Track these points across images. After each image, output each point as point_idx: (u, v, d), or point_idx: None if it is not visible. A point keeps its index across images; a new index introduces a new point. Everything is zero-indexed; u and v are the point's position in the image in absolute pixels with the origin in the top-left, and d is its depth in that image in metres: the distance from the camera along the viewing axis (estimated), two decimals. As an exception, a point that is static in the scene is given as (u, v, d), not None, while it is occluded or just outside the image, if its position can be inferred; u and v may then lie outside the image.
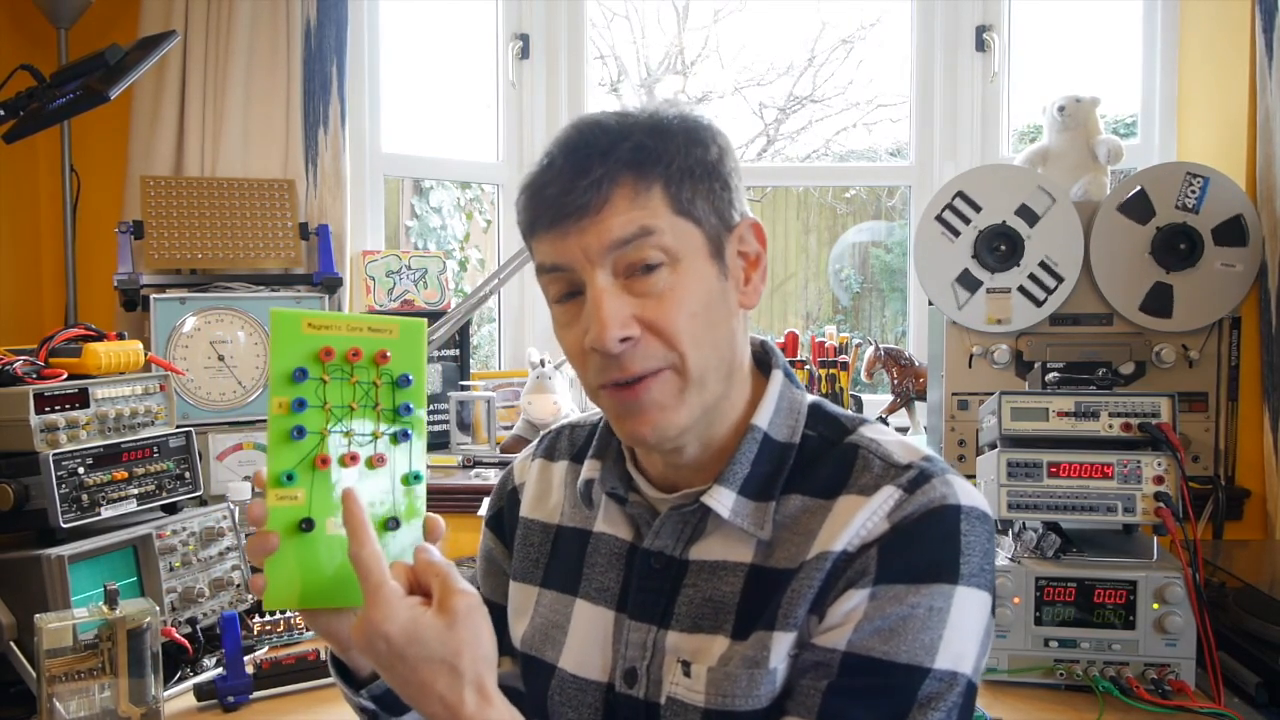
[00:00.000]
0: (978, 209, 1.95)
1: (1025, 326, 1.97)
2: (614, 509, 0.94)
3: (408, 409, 0.81)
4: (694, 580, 0.87)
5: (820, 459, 0.87)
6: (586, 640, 0.92)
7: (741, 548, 0.86)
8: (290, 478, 0.78)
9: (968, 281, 1.96)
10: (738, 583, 0.85)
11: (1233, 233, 1.91)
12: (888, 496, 0.82)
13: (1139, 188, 1.92)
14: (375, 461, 0.80)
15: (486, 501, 2.01)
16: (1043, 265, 1.94)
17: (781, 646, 0.81)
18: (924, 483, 0.82)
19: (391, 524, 0.80)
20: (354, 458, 0.79)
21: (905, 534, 0.80)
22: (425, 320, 0.85)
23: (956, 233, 1.96)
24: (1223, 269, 1.91)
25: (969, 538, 0.80)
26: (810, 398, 0.93)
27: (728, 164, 0.87)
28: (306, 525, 0.78)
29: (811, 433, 0.89)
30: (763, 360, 0.94)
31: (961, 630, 0.78)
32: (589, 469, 0.96)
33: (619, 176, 0.81)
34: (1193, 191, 1.90)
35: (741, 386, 0.90)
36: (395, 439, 0.81)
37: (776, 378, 0.91)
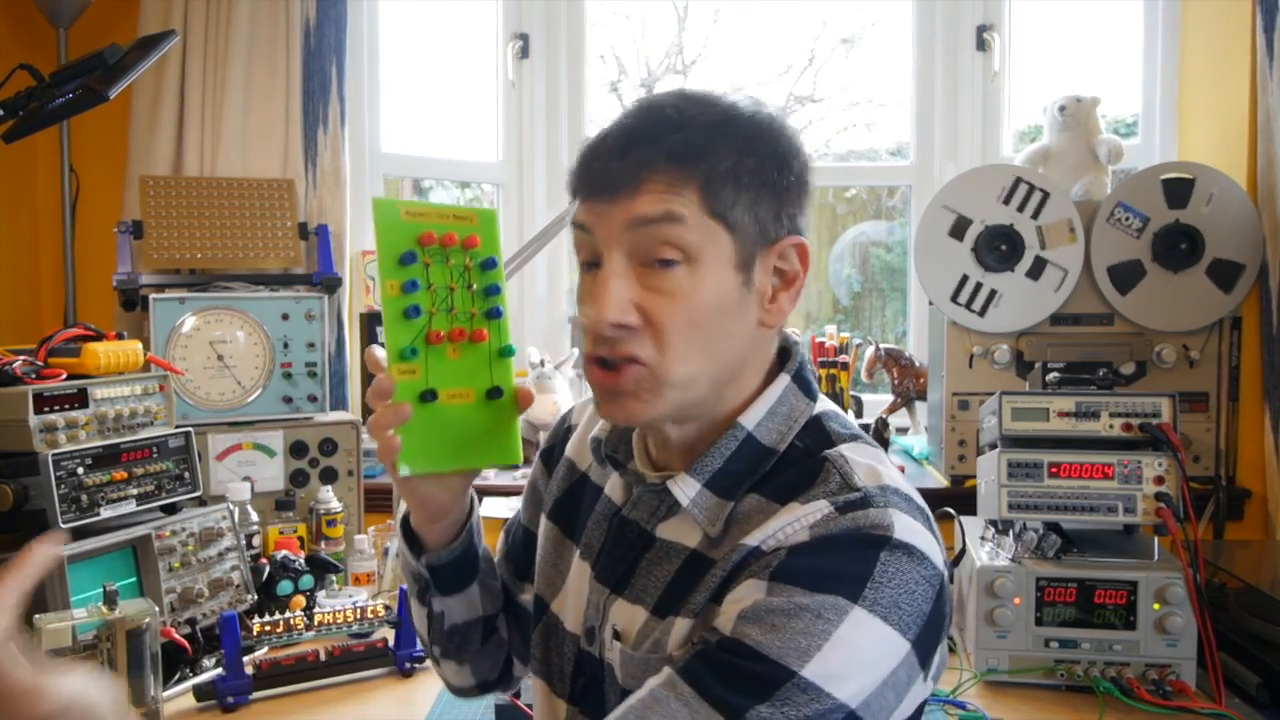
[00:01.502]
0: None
1: (1025, 327, 1.97)
2: (616, 473, 0.97)
3: (496, 289, 0.89)
4: (653, 555, 0.89)
5: (791, 467, 0.86)
6: (573, 592, 0.96)
7: (694, 533, 0.87)
8: (412, 353, 0.85)
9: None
10: (676, 563, 0.87)
11: (1178, 190, 1.92)
12: (817, 509, 0.79)
13: (1108, 266, 1.94)
14: (476, 337, 0.88)
15: (488, 500, 2.02)
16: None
17: (680, 632, 0.82)
18: (860, 508, 0.78)
19: (494, 393, 0.89)
20: (461, 333, 0.87)
21: (819, 543, 0.77)
22: (497, 209, 0.90)
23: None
24: (1212, 207, 1.91)
25: (887, 568, 0.75)
26: (819, 409, 0.90)
27: (787, 177, 0.85)
28: (429, 396, 0.85)
29: (799, 444, 0.87)
30: (785, 359, 0.92)
31: (848, 652, 0.73)
32: (600, 428, 0.98)
33: (657, 164, 0.81)
34: (1128, 219, 1.92)
35: (741, 391, 0.88)
36: (489, 316, 0.89)
37: (780, 381, 0.89)
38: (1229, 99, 2.12)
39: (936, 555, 0.79)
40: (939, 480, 2.06)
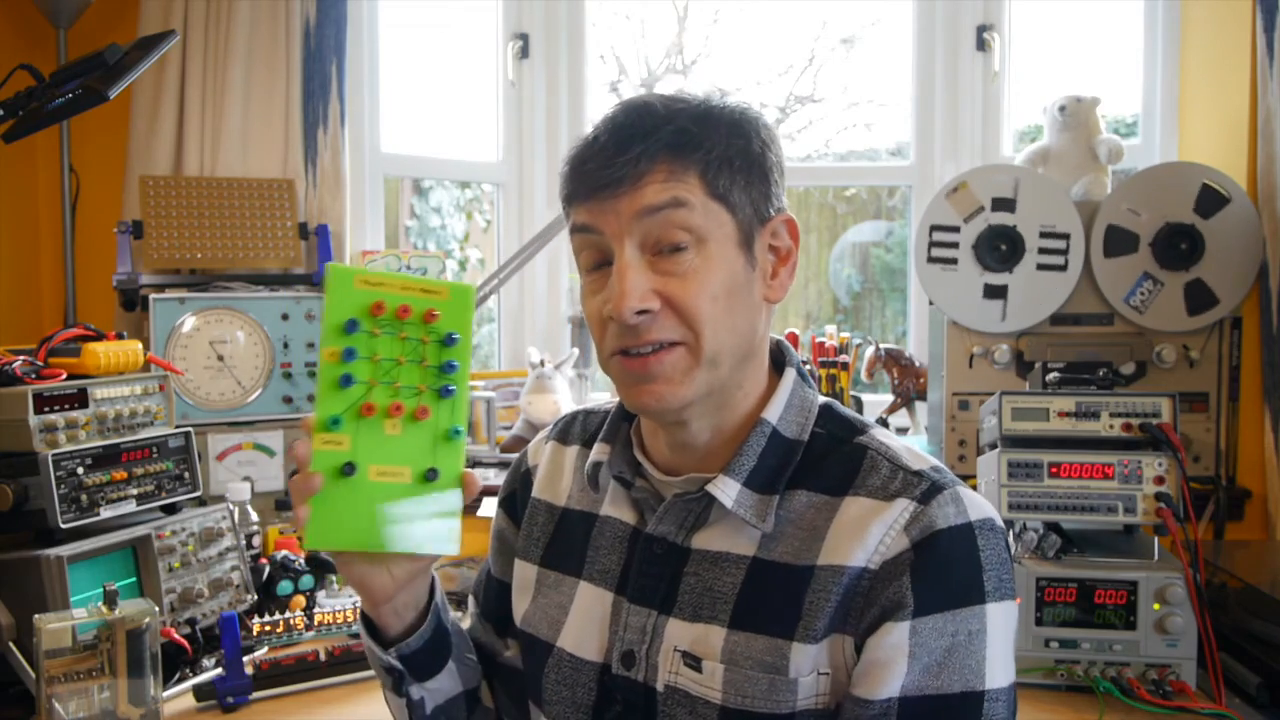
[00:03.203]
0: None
1: (1025, 327, 1.97)
2: (620, 493, 0.96)
3: (452, 366, 0.84)
4: (695, 569, 0.88)
5: (828, 457, 0.88)
6: (585, 621, 0.94)
7: (744, 540, 0.87)
8: (336, 422, 0.80)
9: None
10: (739, 575, 0.86)
11: (1117, 240, 1.93)
12: (902, 510, 0.82)
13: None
14: (419, 414, 0.83)
15: (487, 500, 2.02)
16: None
17: (803, 659, 0.81)
18: (936, 494, 0.82)
19: (430, 474, 0.83)
20: (399, 408, 0.83)
21: (929, 559, 0.80)
22: (474, 285, 0.88)
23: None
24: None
25: (986, 553, 0.81)
26: (822, 399, 0.94)
27: (770, 158, 0.89)
28: (349, 469, 0.81)
29: (821, 431, 0.90)
30: (778, 359, 0.95)
31: (998, 645, 0.80)
32: (598, 452, 0.97)
33: (658, 156, 0.83)
34: (1147, 290, 1.93)
35: (756, 379, 0.91)
36: (439, 394, 0.84)
37: (789, 375, 0.92)
38: (1229, 99, 2.12)
39: (993, 511, 0.85)
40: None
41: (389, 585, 0.88)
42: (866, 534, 0.81)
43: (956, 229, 1.96)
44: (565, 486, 1.03)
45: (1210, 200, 1.91)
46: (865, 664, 0.80)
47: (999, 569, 0.81)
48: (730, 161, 0.85)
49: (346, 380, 0.80)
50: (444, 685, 0.97)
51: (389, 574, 0.87)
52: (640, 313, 0.82)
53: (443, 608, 0.95)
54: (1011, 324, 1.96)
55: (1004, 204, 1.95)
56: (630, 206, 0.83)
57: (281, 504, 1.93)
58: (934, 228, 1.98)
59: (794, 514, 0.86)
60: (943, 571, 0.80)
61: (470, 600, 1.14)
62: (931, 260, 1.97)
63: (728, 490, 0.86)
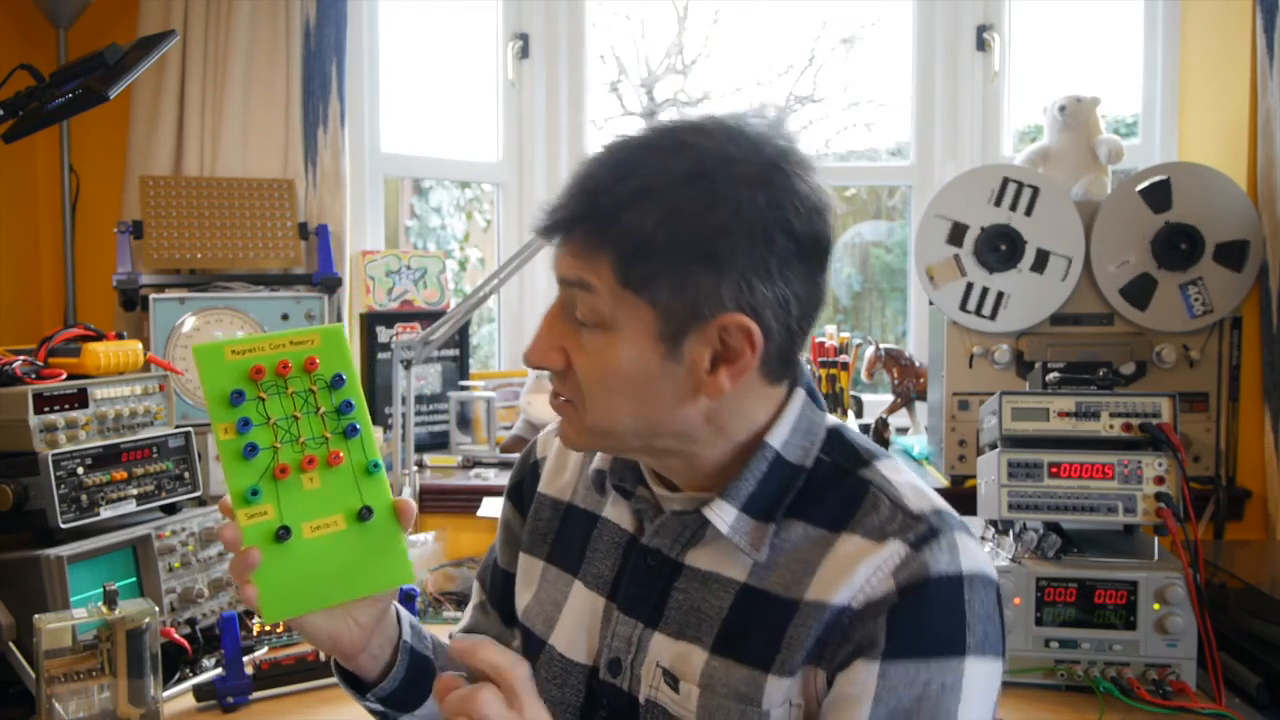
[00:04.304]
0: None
1: (1026, 327, 1.97)
2: (621, 500, 0.95)
3: (349, 405, 0.85)
4: (685, 585, 0.87)
5: (830, 488, 0.85)
6: (577, 622, 0.93)
7: (736, 564, 0.85)
8: (255, 494, 0.81)
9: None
10: (727, 598, 0.84)
11: (1137, 291, 1.92)
12: (893, 552, 0.79)
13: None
14: (332, 460, 0.83)
15: (487, 500, 2.02)
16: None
17: (776, 691, 0.80)
18: (931, 540, 0.79)
19: (364, 513, 0.83)
20: (311, 461, 0.83)
21: (912, 605, 0.77)
22: (342, 324, 0.88)
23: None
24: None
25: (972, 605, 0.78)
26: (832, 421, 0.90)
27: (729, 246, 0.76)
28: (283, 534, 0.81)
29: (825, 458, 0.87)
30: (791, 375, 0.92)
31: (973, 702, 0.77)
32: (600, 460, 0.96)
33: (578, 228, 0.80)
34: (1197, 295, 1.90)
35: (717, 449, 0.86)
36: (345, 436, 0.84)
37: (798, 396, 0.88)
38: (1229, 99, 2.12)
39: (988, 564, 0.82)
40: (939, 480, 2.06)
41: (359, 635, 0.87)
42: (854, 573, 0.79)
43: (970, 285, 1.96)
44: (569, 481, 1.02)
45: (1156, 195, 1.91)
46: (832, 699, 0.78)
47: (986, 624, 0.78)
48: (654, 252, 0.76)
49: (251, 450, 0.81)
50: (435, 709, 0.96)
51: (355, 624, 0.86)
52: (543, 368, 0.84)
53: (416, 637, 0.95)
54: (1075, 268, 1.94)
55: (956, 233, 1.95)
56: (557, 265, 0.83)
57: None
58: (963, 306, 1.96)
59: (790, 544, 0.83)
60: (922, 618, 0.77)
61: (475, 586, 1.14)
62: (989, 316, 1.96)
63: (724, 515, 0.84)
